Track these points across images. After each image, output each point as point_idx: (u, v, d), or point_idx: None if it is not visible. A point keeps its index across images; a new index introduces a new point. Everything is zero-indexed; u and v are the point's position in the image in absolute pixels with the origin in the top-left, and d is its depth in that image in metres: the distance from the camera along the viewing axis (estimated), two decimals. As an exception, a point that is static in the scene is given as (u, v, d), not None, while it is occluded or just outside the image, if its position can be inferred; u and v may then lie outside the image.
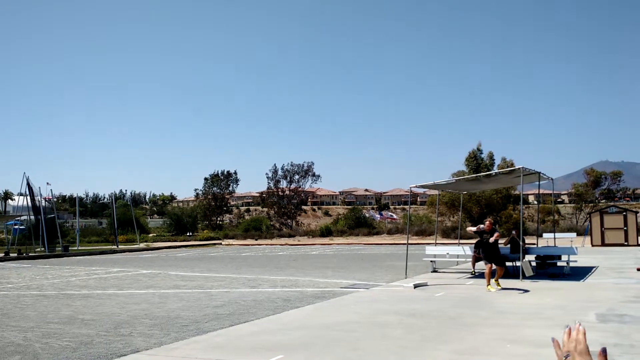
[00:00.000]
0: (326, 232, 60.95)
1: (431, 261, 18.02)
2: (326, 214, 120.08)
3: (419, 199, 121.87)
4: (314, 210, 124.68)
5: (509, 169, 21.39)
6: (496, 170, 38.55)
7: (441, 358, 6.42)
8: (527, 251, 16.72)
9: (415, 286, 13.37)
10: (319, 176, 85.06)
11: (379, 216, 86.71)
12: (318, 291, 13.43)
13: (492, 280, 12.96)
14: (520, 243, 15.84)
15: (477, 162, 53.06)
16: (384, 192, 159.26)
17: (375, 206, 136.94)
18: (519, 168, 16.25)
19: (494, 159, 54.06)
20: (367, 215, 76.56)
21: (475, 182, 21.83)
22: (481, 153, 54.33)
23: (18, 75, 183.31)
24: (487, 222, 13.60)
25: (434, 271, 17.69)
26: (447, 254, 17.95)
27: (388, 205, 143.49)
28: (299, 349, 6.98)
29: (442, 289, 13.14)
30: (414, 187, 18.04)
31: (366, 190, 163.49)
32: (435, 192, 35.46)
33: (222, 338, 7.89)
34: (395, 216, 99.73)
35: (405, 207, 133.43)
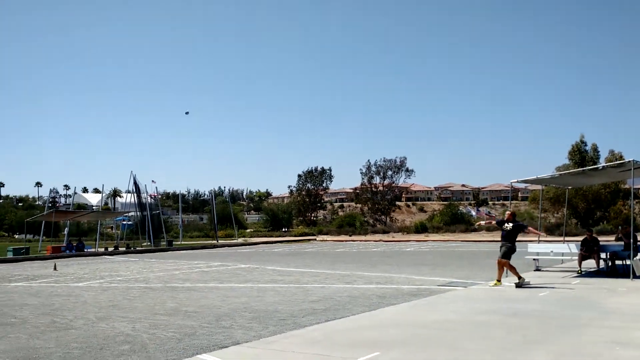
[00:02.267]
0: (421, 229, 60.16)
1: (534, 259, 17.26)
2: (421, 210, 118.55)
3: (520, 195, 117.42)
4: (408, 206, 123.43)
5: (617, 162, 20.07)
6: (603, 164, 36.34)
7: (546, 361, 6.11)
8: (638, 249, 15.61)
9: (517, 285, 12.85)
10: (412, 171, 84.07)
11: (476, 212, 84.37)
12: (414, 288, 13.25)
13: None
14: (631, 240, 14.83)
15: (581, 155, 50.38)
16: (482, 188, 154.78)
17: (472, 202, 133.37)
18: (629, 161, 15.20)
19: (598, 152, 51.13)
20: (464, 211, 74.68)
21: (580, 176, 20.68)
22: (585, 145, 51.53)
23: (124, 74, 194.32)
24: (507, 214, 13.69)
25: (537, 270, 16.92)
26: (551, 251, 17.13)
27: (486, 201, 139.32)
28: (395, 347, 6.90)
29: (545, 289, 12.55)
30: (514, 182, 17.38)
31: (463, 185, 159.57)
32: (537, 187, 33.96)
33: (319, 333, 7.95)
34: (493, 213, 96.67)
35: (505, 202, 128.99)
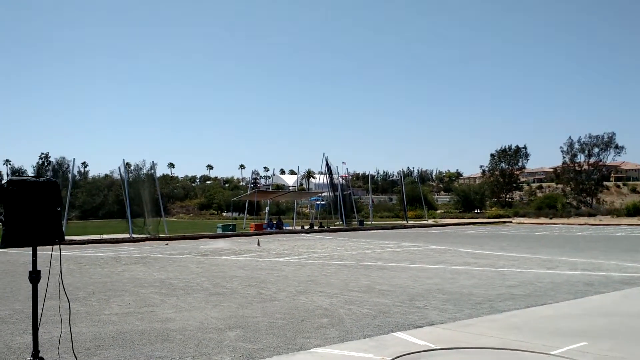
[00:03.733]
0: (634, 211, 54.26)
1: None
2: (633, 190, 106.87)
3: None
4: (617, 186, 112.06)
5: None
6: None
7: None
8: None
9: None
10: (622, 148, 75.94)
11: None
12: (626, 277, 11.98)
13: None
14: None
15: None
16: None
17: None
18: None
19: None
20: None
21: None
22: None
23: (302, 61, 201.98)
24: None
25: None
26: None
27: None
28: (604, 337, 6.29)
29: None
30: None
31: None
32: None
33: (518, 319, 7.55)
34: None
35: None
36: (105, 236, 29.58)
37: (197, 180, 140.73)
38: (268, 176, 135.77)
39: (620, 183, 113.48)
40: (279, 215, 51.24)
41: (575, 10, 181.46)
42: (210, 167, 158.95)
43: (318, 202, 54.45)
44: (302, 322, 7.58)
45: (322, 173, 46.89)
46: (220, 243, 25.81)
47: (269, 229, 36.47)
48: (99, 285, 11.69)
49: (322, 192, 51.30)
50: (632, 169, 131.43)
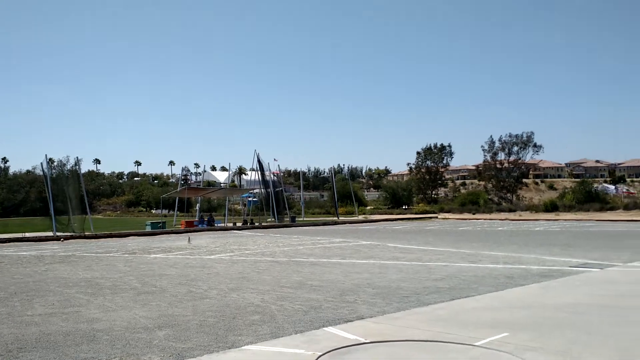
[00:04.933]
0: (551, 207, 57.11)
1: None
2: (550, 187, 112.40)
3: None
4: (536, 183, 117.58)
5: None
6: None
7: (699, 352, 5.58)
8: None
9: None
10: (540, 147, 79.86)
11: (613, 190, 78.64)
12: (544, 269, 12.64)
13: None
14: None
15: None
16: (619, 163, 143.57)
17: (608, 179, 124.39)
18: None
19: None
20: (598, 188, 69.83)
21: None
22: None
23: (240, 54, 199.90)
24: None
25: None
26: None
27: (624, 178, 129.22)
28: (524, 329, 6.63)
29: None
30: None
31: (597, 161, 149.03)
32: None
33: (444, 311, 7.84)
34: (633, 190, 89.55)
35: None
36: (27, 234, 28.28)
37: (125, 177, 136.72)
38: (199, 173, 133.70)
39: (538, 180, 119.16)
40: (211, 212, 50.56)
41: (495, 8, 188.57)
42: (138, 163, 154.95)
43: (250, 199, 54.13)
44: (233, 319, 7.56)
45: (253, 170, 46.68)
46: (150, 241, 25.24)
47: (200, 226, 35.96)
48: (21, 286, 11.21)
49: (253, 189, 51.09)
50: (550, 167, 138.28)
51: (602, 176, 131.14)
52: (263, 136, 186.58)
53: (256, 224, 39.20)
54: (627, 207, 53.59)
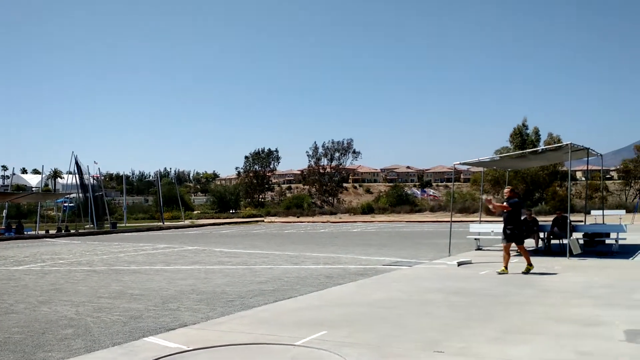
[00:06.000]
0: (368, 210, 60.91)
1: (475, 239, 17.80)
2: (368, 191, 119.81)
3: (462, 176, 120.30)
4: (355, 187, 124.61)
5: (556, 145, 20.82)
6: (543, 147, 37.62)
7: (486, 337, 6.35)
8: (574, 229, 16.33)
9: (459, 264, 13.24)
10: (359, 153, 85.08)
11: (421, 193, 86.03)
12: (361, 268, 13.46)
13: (524, 262, 12.01)
14: (568, 220, 15.48)
15: (522, 139, 51.97)
16: (427, 170, 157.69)
17: (417, 183, 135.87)
18: (567, 144, 15.81)
19: (539, 135, 52.81)
20: (409, 192, 76.03)
21: (520, 159, 21.36)
22: (526, 129, 53.16)
23: (62, 55, 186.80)
24: (506, 190, 12.25)
25: (478, 249, 17.48)
26: (492, 231, 17.68)
27: (430, 183, 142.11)
28: (342, 326, 7.02)
29: (486, 267, 12.98)
30: (457, 164, 17.78)
31: (408, 167, 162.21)
32: (479, 169, 34.90)
33: (267, 313, 8.00)
34: (437, 194, 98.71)
35: (449, 184, 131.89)
36: None
37: None
38: (7, 176, 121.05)
39: (357, 184, 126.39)
40: (20, 219, 46.06)
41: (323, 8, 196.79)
42: None
43: (66, 204, 50.38)
44: (43, 334, 7.00)
45: (71, 173, 43.59)
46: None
47: (7, 234, 32.64)
48: None
49: (70, 194, 47.56)
50: (367, 172, 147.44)
51: (412, 181, 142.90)
52: (83, 138, 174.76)
53: (72, 231, 36.57)
54: (432, 209, 59.05)
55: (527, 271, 11.69)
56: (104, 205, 44.35)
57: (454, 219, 18.41)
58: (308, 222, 49.42)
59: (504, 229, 12.11)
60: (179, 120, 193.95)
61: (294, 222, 50.19)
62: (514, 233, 11.95)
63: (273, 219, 56.29)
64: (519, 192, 11.96)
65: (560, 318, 7.25)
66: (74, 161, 41.23)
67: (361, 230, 33.62)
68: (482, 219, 22.20)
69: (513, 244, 12.10)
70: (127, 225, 45.55)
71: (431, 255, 16.18)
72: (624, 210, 33.05)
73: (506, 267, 11.81)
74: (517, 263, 13.84)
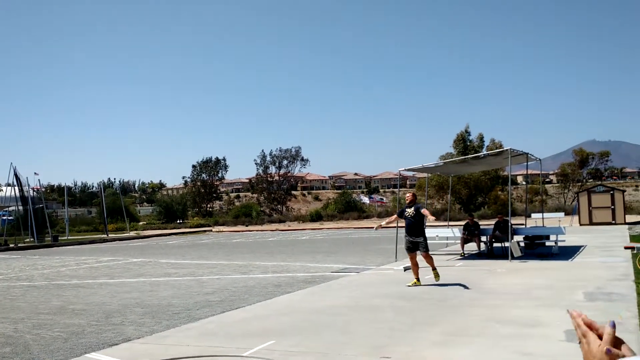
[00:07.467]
0: (316, 217, 61.04)
1: (421, 244, 18.08)
2: (316, 198, 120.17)
3: (408, 182, 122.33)
4: (303, 195, 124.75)
5: (497, 150, 21.48)
6: (484, 152, 38.70)
7: (431, 340, 6.48)
8: (515, 232, 16.85)
9: (405, 269, 13.44)
10: (307, 160, 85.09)
11: (368, 200, 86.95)
12: (309, 276, 13.49)
13: (431, 272, 11.25)
14: (509, 224, 15.96)
15: (465, 144, 53.25)
16: (374, 176, 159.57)
17: (364, 190, 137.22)
18: (507, 149, 16.32)
19: (484, 141, 54.27)
20: (356, 199, 76.76)
21: (463, 165, 21.91)
22: (469, 135, 54.50)
23: (4, 66, 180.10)
24: (408, 195, 11.51)
25: (424, 254, 17.78)
26: (437, 236, 18.04)
27: (378, 189, 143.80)
28: (290, 334, 7.02)
29: (431, 272, 13.21)
30: (402, 170, 18.08)
31: (356, 174, 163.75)
32: (424, 175, 35.58)
33: (214, 325, 7.91)
34: (384, 199, 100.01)
35: (395, 190, 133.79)
36: None
37: None
38: None
39: (305, 192, 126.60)
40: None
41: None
42: None
43: (4, 218, 48.40)
44: (-22, 355, 6.71)
45: (9, 185, 41.95)
46: None
47: None
48: None
49: (9, 207, 45.73)
50: (315, 179, 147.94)
51: (360, 188, 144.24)
52: (22, 148, 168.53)
53: (12, 245, 35.16)
54: (380, 215, 59.67)
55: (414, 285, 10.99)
56: (45, 218, 42.85)
57: (400, 225, 18.68)
58: (257, 230, 49.12)
59: (415, 239, 11.12)
60: (123, 129, 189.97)
61: (242, 231, 49.78)
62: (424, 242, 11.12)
63: (221, 228, 55.68)
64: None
65: (502, 320, 7.46)
66: (12, 173, 39.72)
67: (310, 237, 33.67)
68: (427, 224, 22.62)
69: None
70: (69, 238, 44.11)
71: (378, 261, 16.36)
72: (563, 213, 34.36)
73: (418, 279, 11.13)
74: (462, 267, 14.20)
